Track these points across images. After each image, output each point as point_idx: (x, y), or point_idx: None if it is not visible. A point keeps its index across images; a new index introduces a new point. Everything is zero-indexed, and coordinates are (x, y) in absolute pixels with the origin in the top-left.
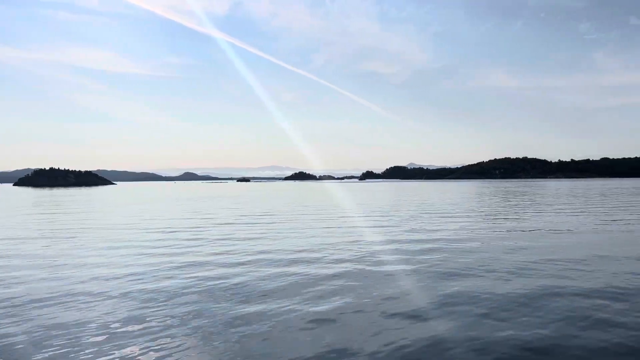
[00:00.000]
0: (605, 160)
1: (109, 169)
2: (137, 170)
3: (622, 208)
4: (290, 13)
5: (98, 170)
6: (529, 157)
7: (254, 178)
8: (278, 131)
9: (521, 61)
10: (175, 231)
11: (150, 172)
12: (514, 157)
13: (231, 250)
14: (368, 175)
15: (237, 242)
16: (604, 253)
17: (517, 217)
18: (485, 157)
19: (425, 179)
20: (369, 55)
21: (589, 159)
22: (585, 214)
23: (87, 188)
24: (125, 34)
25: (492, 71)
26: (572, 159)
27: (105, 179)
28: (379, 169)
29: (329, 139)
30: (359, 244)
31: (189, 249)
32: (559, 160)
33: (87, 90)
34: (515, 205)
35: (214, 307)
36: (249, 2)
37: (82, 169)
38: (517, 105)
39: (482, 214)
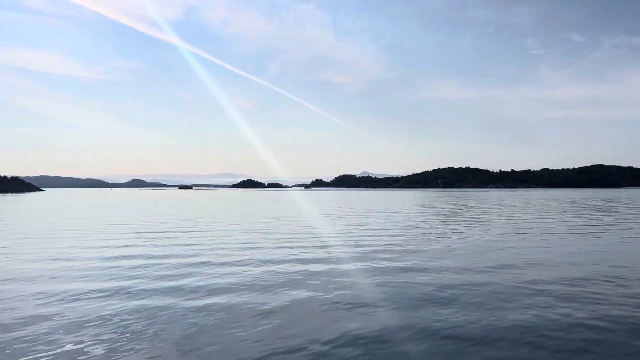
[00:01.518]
0: (545, 170)
1: (52, 175)
2: (82, 177)
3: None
4: (244, 20)
5: (41, 176)
6: (471, 167)
7: (200, 185)
8: (232, 138)
9: (470, 73)
10: None
11: (97, 178)
12: (457, 167)
13: None
14: (316, 184)
15: None
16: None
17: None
18: (433, 166)
19: (370, 187)
20: (323, 64)
21: (529, 170)
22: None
23: (12, 195)
24: (73, 36)
25: (442, 83)
26: (512, 169)
27: (33, 186)
28: (331, 177)
29: (284, 146)
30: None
31: None
32: (500, 170)
33: (31, 93)
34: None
35: None
36: (202, 8)
37: (23, 175)
38: (465, 116)
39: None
